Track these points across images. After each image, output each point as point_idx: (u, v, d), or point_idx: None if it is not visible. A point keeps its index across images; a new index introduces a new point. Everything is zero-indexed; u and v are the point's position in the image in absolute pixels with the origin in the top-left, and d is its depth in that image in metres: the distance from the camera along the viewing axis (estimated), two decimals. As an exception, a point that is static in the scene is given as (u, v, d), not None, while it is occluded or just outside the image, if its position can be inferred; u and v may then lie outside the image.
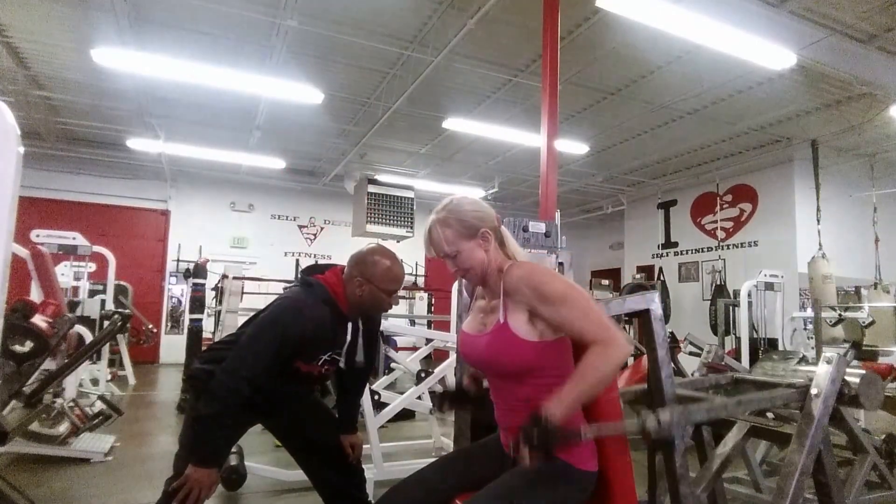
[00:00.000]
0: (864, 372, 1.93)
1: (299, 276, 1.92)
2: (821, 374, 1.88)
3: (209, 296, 6.77)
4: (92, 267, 6.78)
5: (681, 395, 1.92)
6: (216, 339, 4.55)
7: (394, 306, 1.89)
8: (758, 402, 1.92)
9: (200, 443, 1.69)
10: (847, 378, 1.91)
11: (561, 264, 2.84)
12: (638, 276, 10.41)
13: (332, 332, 1.82)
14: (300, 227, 11.51)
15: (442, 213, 1.46)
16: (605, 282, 8.36)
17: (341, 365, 1.90)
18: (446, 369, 4.00)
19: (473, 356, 1.49)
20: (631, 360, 6.71)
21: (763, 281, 6.83)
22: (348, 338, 1.88)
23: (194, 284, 6.07)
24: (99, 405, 3.78)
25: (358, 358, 1.94)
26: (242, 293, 5.87)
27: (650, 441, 1.37)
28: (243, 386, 1.67)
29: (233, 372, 1.68)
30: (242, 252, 10.74)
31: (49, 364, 2.94)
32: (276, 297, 1.93)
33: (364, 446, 3.48)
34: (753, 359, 6.21)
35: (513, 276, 1.40)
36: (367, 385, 3.43)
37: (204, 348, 2.36)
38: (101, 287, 6.82)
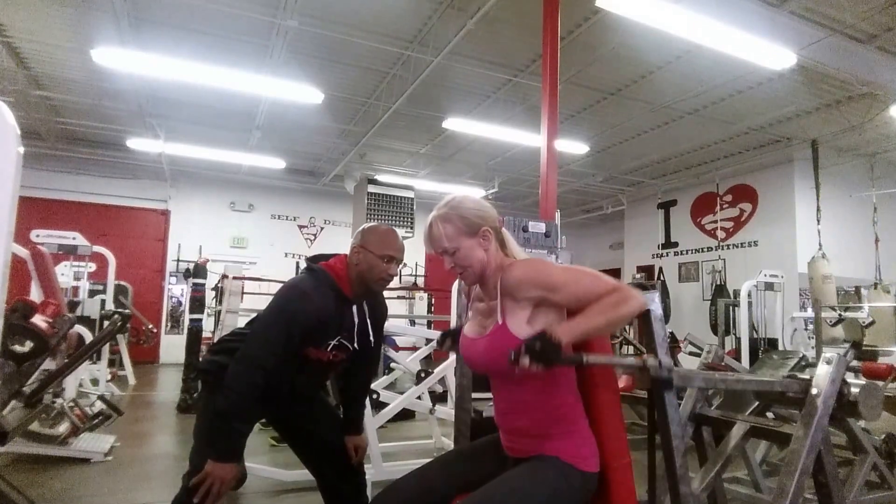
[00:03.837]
0: (864, 382, 1.94)
1: (304, 262, 1.94)
2: (821, 374, 1.87)
3: (209, 296, 6.77)
4: (92, 267, 6.78)
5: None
6: (217, 339, 4.55)
7: (393, 275, 1.89)
8: (757, 383, 1.93)
9: (219, 438, 1.69)
10: (847, 380, 1.92)
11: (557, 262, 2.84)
12: (638, 276, 10.41)
13: (337, 316, 1.84)
14: (300, 227, 11.51)
15: (443, 209, 1.46)
16: (605, 282, 8.35)
17: (354, 346, 1.90)
18: (446, 369, 3.99)
19: (474, 359, 1.49)
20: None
21: (763, 281, 6.83)
22: (356, 320, 1.89)
23: (194, 284, 6.07)
24: (99, 405, 3.77)
25: (370, 338, 1.96)
26: (242, 293, 5.86)
27: (648, 379, 1.38)
28: (258, 376, 1.68)
29: (246, 363, 1.69)
30: (242, 252, 10.74)
31: (49, 364, 2.94)
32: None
33: (363, 446, 3.49)
34: (753, 359, 6.21)
35: (512, 276, 1.39)
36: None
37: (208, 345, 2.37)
38: (101, 287, 6.82)
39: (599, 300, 1.31)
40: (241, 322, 4.11)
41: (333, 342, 1.86)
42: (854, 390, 1.90)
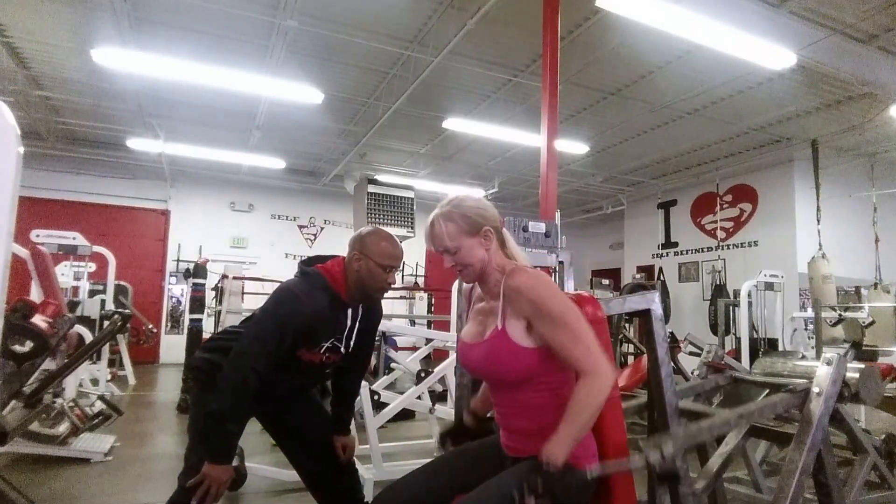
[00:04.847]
0: (862, 366, 1.94)
1: (299, 265, 1.95)
2: (821, 374, 1.88)
3: (209, 296, 6.77)
4: (92, 267, 6.78)
5: (683, 408, 1.92)
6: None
7: (392, 284, 1.90)
8: (759, 412, 1.91)
9: (214, 440, 1.70)
10: (847, 374, 1.91)
11: (561, 263, 2.84)
12: (638, 276, 10.41)
13: (331, 319, 1.84)
14: (300, 227, 11.51)
15: (446, 207, 1.46)
16: (605, 282, 8.36)
17: (346, 349, 1.91)
18: (446, 369, 4.00)
19: (472, 365, 1.49)
20: (631, 360, 6.71)
21: (763, 281, 6.82)
22: (349, 323, 1.89)
23: (194, 284, 6.07)
24: (99, 405, 3.78)
25: (363, 341, 1.96)
26: (242, 293, 5.87)
27: (655, 476, 1.37)
28: (251, 378, 1.68)
29: (239, 365, 1.70)
30: (242, 252, 10.74)
31: (49, 364, 2.94)
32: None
33: (363, 446, 3.50)
34: (753, 359, 6.20)
35: (515, 283, 1.38)
36: (368, 385, 3.43)
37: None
38: (101, 287, 6.82)
39: (573, 399, 1.29)
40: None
41: (326, 344, 1.86)
42: (852, 375, 1.89)
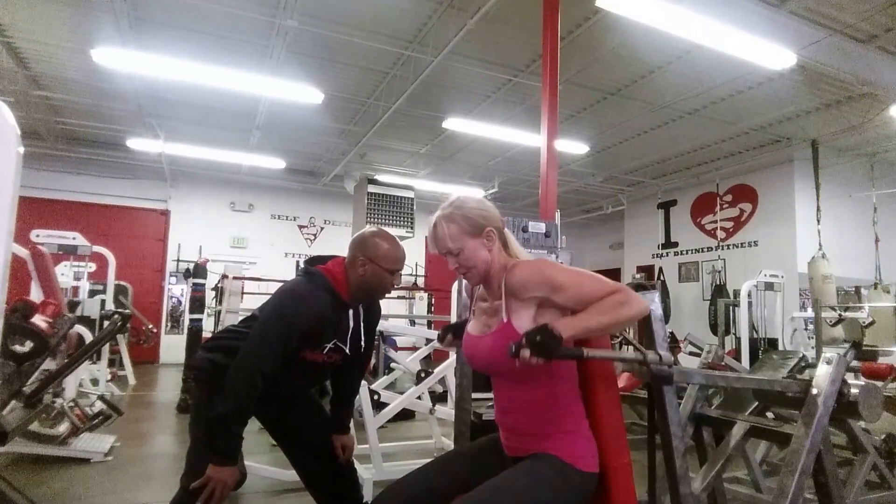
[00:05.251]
0: (863, 382, 1.94)
1: (301, 265, 1.95)
2: (821, 374, 1.87)
3: (209, 296, 6.77)
4: (92, 267, 6.78)
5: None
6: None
7: (396, 285, 1.90)
8: (757, 382, 1.93)
9: (219, 441, 1.70)
10: (847, 381, 1.92)
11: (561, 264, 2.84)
12: (638, 276, 10.40)
13: (334, 319, 1.85)
14: (300, 227, 11.52)
15: (448, 209, 1.46)
16: (605, 282, 8.36)
17: (347, 351, 1.91)
18: (446, 369, 3.99)
19: (477, 358, 1.49)
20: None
21: (763, 281, 6.83)
22: (351, 324, 1.90)
23: (194, 284, 6.07)
24: (99, 405, 3.77)
25: (361, 343, 1.96)
26: (242, 293, 5.87)
27: (648, 373, 1.39)
28: (258, 379, 1.69)
29: (245, 367, 1.70)
30: (242, 252, 10.74)
31: (49, 364, 2.94)
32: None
33: (363, 446, 3.50)
34: (753, 359, 6.20)
35: (517, 276, 1.39)
36: (368, 385, 3.43)
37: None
38: (101, 287, 6.82)
39: (603, 300, 1.31)
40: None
41: (329, 345, 1.86)
42: (854, 391, 1.90)
